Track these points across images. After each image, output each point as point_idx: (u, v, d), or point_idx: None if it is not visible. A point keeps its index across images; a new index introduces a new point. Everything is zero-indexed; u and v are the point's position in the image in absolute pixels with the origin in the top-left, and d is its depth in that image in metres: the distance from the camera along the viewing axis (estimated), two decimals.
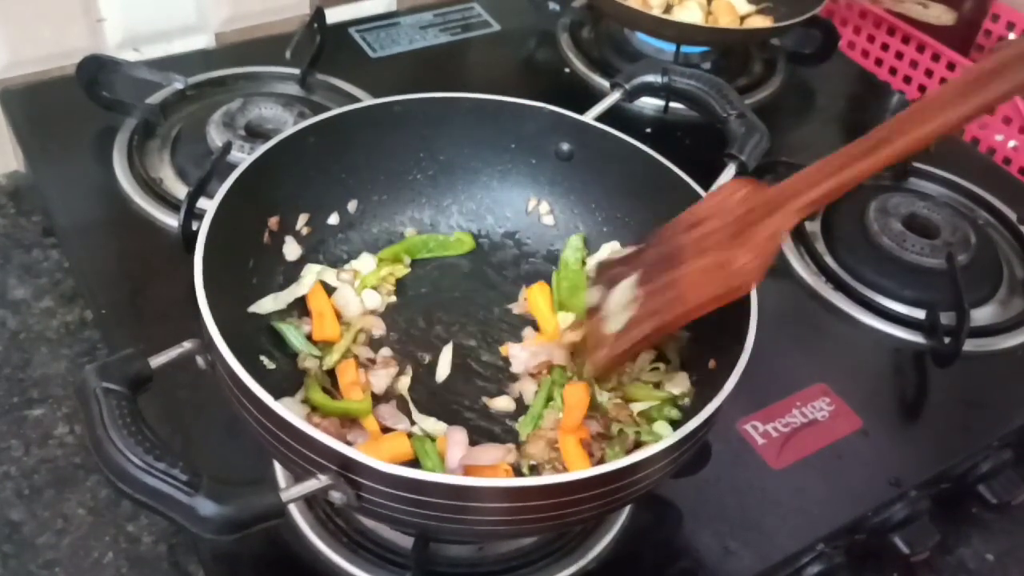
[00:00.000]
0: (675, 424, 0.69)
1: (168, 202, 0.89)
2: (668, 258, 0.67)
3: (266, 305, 0.72)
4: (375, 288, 0.77)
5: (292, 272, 0.76)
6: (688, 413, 0.69)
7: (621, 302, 0.68)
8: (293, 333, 0.71)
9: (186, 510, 0.46)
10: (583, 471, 0.53)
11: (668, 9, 1.14)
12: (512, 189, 0.82)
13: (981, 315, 0.91)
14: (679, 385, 0.71)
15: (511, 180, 0.82)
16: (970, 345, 0.84)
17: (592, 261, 0.80)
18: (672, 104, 0.86)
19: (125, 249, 0.88)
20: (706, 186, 0.73)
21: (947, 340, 0.84)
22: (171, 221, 0.87)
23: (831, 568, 0.71)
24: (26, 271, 0.89)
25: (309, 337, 0.72)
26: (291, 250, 0.76)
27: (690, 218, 0.68)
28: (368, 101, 0.77)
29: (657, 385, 0.71)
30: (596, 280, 0.72)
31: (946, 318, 0.86)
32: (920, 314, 0.88)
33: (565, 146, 0.79)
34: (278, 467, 0.69)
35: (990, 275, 0.95)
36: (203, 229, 0.62)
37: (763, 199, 0.64)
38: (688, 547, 0.70)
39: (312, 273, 0.76)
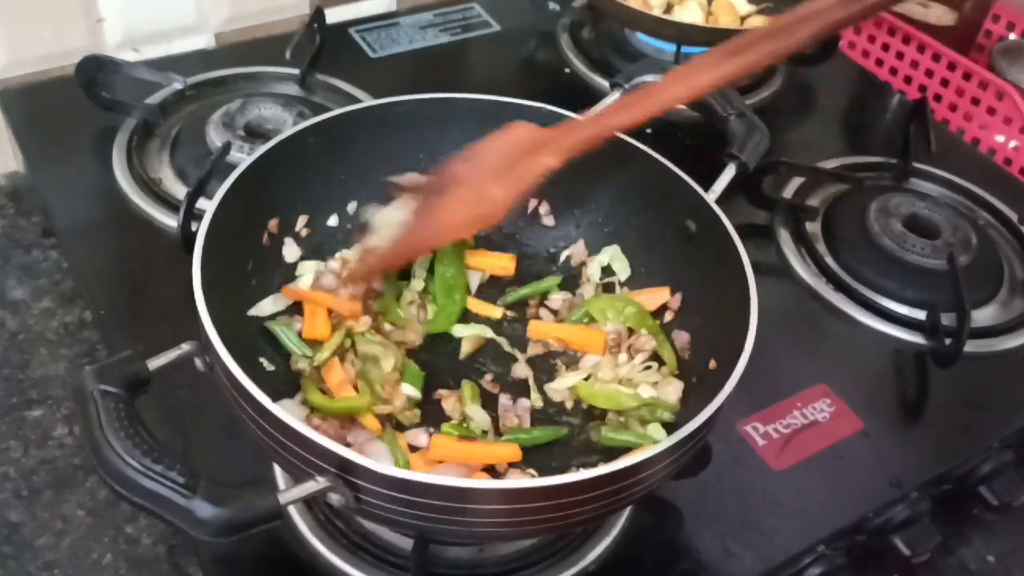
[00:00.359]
0: (668, 427, 0.68)
1: (167, 202, 0.89)
2: (443, 184, 0.72)
3: (265, 307, 0.72)
4: None
5: (291, 273, 0.76)
6: (684, 415, 0.69)
7: (392, 219, 0.73)
8: (285, 333, 0.71)
9: (183, 512, 0.46)
10: (584, 472, 0.53)
11: (668, 9, 1.14)
12: None
13: (982, 316, 0.91)
14: (671, 393, 0.70)
15: None
16: (971, 346, 0.84)
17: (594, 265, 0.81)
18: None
19: (124, 249, 0.88)
20: (706, 186, 0.73)
21: (948, 341, 0.84)
22: (170, 221, 0.87)
23: (832, 569, 0.71)
24: (25, 272, 0.89)
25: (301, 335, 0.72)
26: (290, 252, 0.75)
27: (470, 151, 0.72)
28: (368, 102, 0.77)
29: (654, 385, 0.71)
30: (387, 199, 0.76)
31: (947, 319, 0.86)
32: (921, 315, 0.88)
33: None
34: (277, 469, 0.69)
35: (991, 276, 0.95)
36: (202, 230, 0.62)
37: (534, 137, 0.70)
38: (689, 548, 0.70)
39: (309, 271, 0.75)
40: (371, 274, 0.74)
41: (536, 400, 0.72)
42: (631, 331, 0.75)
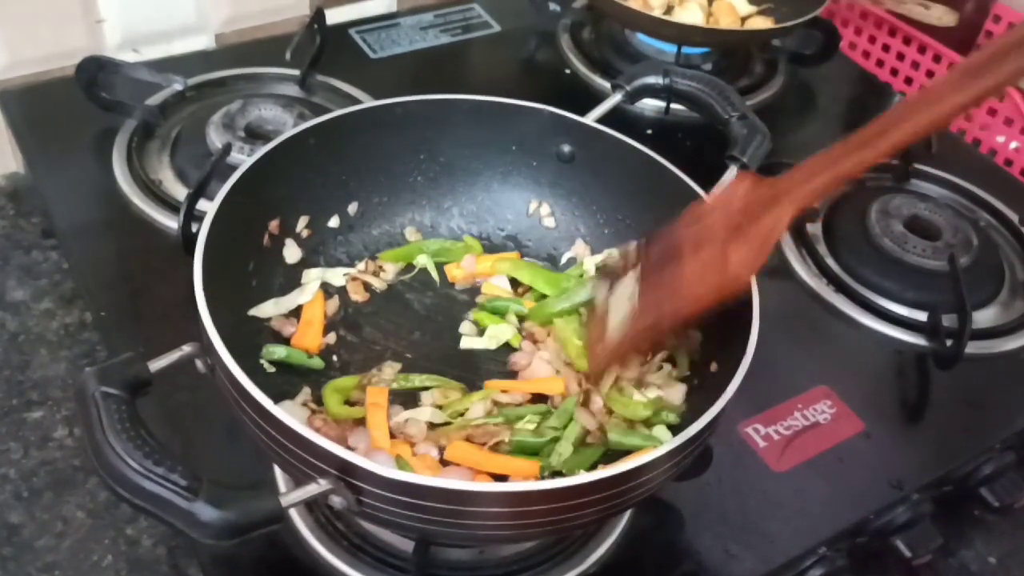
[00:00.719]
0: (673, 428, 0.68)
1: (168, 204, 0.89)
2: (669, 254, 0.66)
3: (267, 309, 0.72)
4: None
5: (292, 274, 0.76)
6: (686, 417, 0.69)
7: (623, 297, 0.68)
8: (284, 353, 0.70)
9: (185, 515, 0.46)
10: (584, 475, 0.53)
11: (669, 10, 1.14)
12: (513, 191, 0.82)
13: (983, 317, 0.91)
14: (675, 395, 0.70)
15: (512, 182, 0.82)
16: (972, 347, 0.83)
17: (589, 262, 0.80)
18: (673, 105, 0.86)
19: (124, 251, 0.87)
20: (707, 187, 0.73)
21: (949, 342, 0.84)
22: (170, 223, 0.87)
23: (833, 571, 0.71)
24: (25, 272, 0.89)
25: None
26: (291, 253, 0.75)
27: (694, 213, 0.68)
28: (369, 103, 0.77)
29: (660, 386, 0.71)
30: (601, 277, 0.72)
31: (948, 320, 0.86)
32: (922, 316, 0.88)
33: (566, 148, 0.79)
34: (278, 471, 0.69)
35: (992, 277, 0.95)
36: (203, 231, 0.61)
37: (762, 193, 0.64)
38: (690, 550, 0.70)
39: (314, 280, 0.75)
40: (615, 361, 0.70)
41: None
42: None
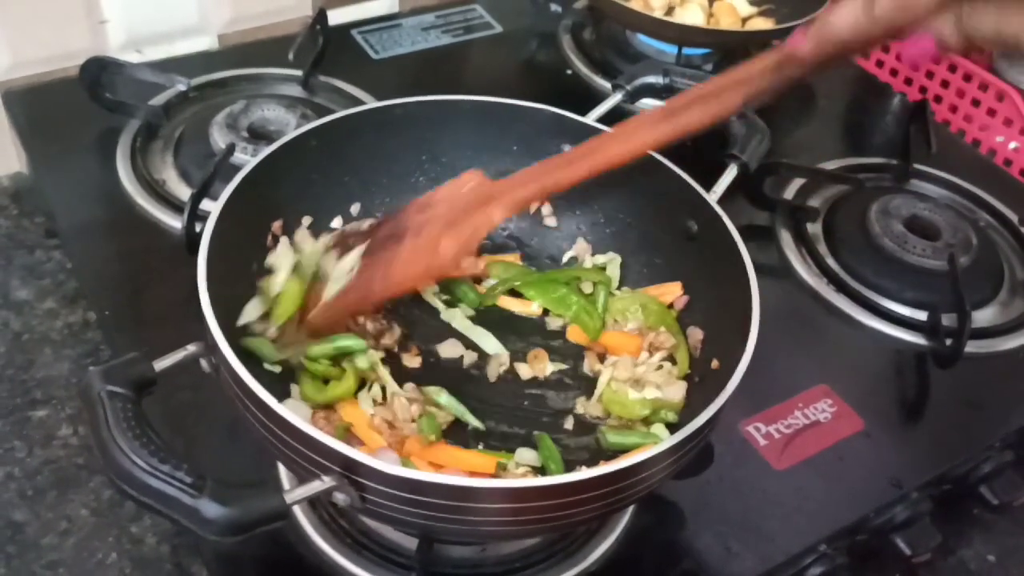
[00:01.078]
0: (671, 427, 0.69)
1: (171, 204, 0.89)
2: (396, 234, 0.71)
3: (249, 313, 0.69)
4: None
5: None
6: (682, 415, 0.69)
7: (345, 269, 0.72)
8: (261, 348, 0.68)
9: (190, 512, 0.47)
10: (586, 471, 0.53)
11: (670, 11, 1.15)
12: None
13: (982, 317, 0.91)
14: (675, 394, 0.70)
15: None
16: (971, 346, 0.84)
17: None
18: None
19: (128, 250, 0.88)
20: (707, 186, 0.74)
21: (948, 342, 0.84)
22: (174, 223, 0.87)
23: (833, 569, 0.71)
24: (29, 272, 0.89)
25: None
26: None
27: (425, 200, 0.73)
28: (370, 104, 0.77)
29: (659, 385, 0.71)
30: (334, 245, 0.75)
31: (947, 319, 0.86)
32: (921, 315, 0.88)
33: (567, 147, 0.79)
34: (281, 469, 0.69)
35: (991, 277, 0.96)
36: (207, 231, 0.62)
37: (482, 192, 0.71)
38: (690, 548, 0.70)
39: (284, 268, 0.72)
40: (326, 326, 0.71)
41: None
42: (649, 329, 0.75)
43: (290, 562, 0.66)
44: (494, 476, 0.64)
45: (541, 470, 0.66)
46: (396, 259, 0.70)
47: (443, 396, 0.69)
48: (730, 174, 0.75)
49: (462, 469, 0.63)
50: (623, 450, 0.67)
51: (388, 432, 0.64)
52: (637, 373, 0.72)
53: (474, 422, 0.68)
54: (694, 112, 0.67)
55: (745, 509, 0.72)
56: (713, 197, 0.72)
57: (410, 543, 0.66)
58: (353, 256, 0.72)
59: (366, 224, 0.76)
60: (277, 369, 0.68)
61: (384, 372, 0.70)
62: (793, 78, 0.64)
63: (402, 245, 0.70)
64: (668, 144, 0.68)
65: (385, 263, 0.70)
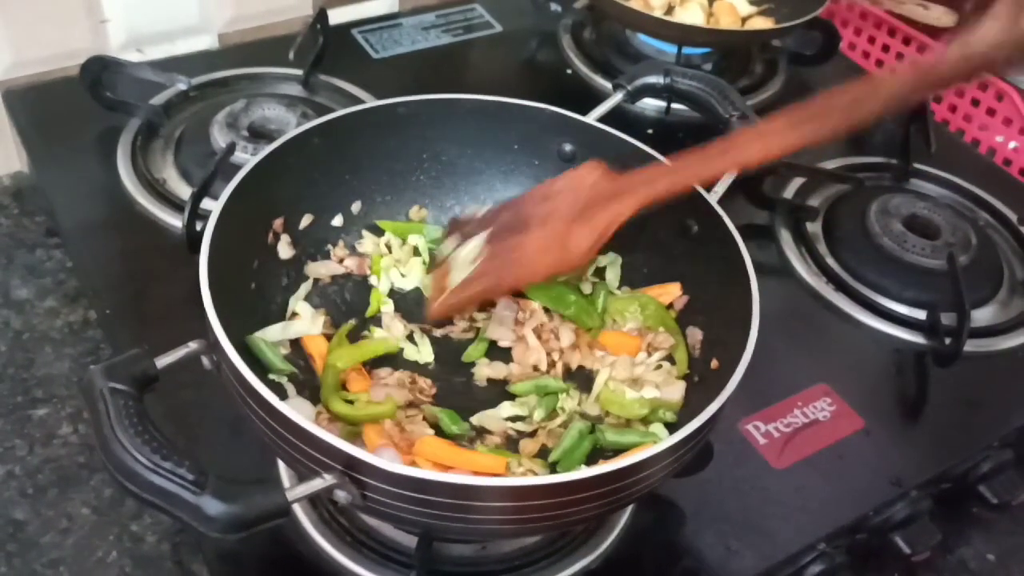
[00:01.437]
0: (670, 426, 0.69)
1: (172, 202, 0.89)
2: (517, 223, 0.72)
3: (273, 334, 0.70)
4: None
5: (294, 274, 0.76)
6: (682, 414, 0.69)
7: (468, 257, 0.72)
8: (271, 352, 0.68)
9: (192, 509, 0.47)
10: (586, 470, 0.53)
11: (670, 10, 1.15)
12: (515, 190, 0.82)
13: (981, 316, 0.91)
14: (674, 393, 0.71)
15: (514, 181, 0.82)
16: (970, 345, 0.84)
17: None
18: (674, 105, 0.86)
19: (128, 249, 0.88)
20: (707, 186, 0.74)
21: (948, 340, 0.84)
22: (174, 221, 0.87)
23: (833, 568, 0.72)
24: (29, 271, 0.89)
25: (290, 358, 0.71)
26: (284, 250, 0.75)
27: (545, 190, 0.73)
28: (371, 103, 0.78)
29: (657, 386, 0.71)
30: (450, 231, 0.76)
31: (946, 319, 0.86)
32: (921, 315, 0.88)
33: (568, 147, 0.80)
34: (282, 467, 0.69)
35: (990, 276, 0.96)
36: (208, 229, 0.62)
37: (610, 185, 0.70)
38: (690, 547, 0.70)
39: (307, 315, 0.73)
40: (451, 314, 0.74)
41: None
42: (648, 329, 0.75)
43: (290, 560, 0.66)
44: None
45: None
46: (525, 249, 0.70)
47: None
48: (731, 175, 0.75)
49: (471, 470, 0.63)
50: (621, 449, 0.67)
51: (398, 436, 0.64)
52: (635, 373, 0.72)
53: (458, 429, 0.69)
54: (834, 117, 0.66)
55: (745, 508, 0.73)
56: (713, 197, 0.72)
57: (410, 541, 0.66)
58: (475, 244, 0.72)
59: (481, 212, 0.77)
60: (282, 379, 0.68)
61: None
62: (930, 91, 0.63)
63: (528, 235, 0.70)
64: (806, 146, 0.67)
65: (512, 253, 0.70)
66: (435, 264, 0.76)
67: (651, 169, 0.71)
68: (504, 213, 0.74)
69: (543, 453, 0.69)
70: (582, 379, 0.74)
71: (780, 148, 0.67)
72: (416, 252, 0.80)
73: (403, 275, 0.78)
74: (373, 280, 0.78)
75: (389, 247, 0.79)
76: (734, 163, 0.69)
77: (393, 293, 0.78)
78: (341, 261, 0.78)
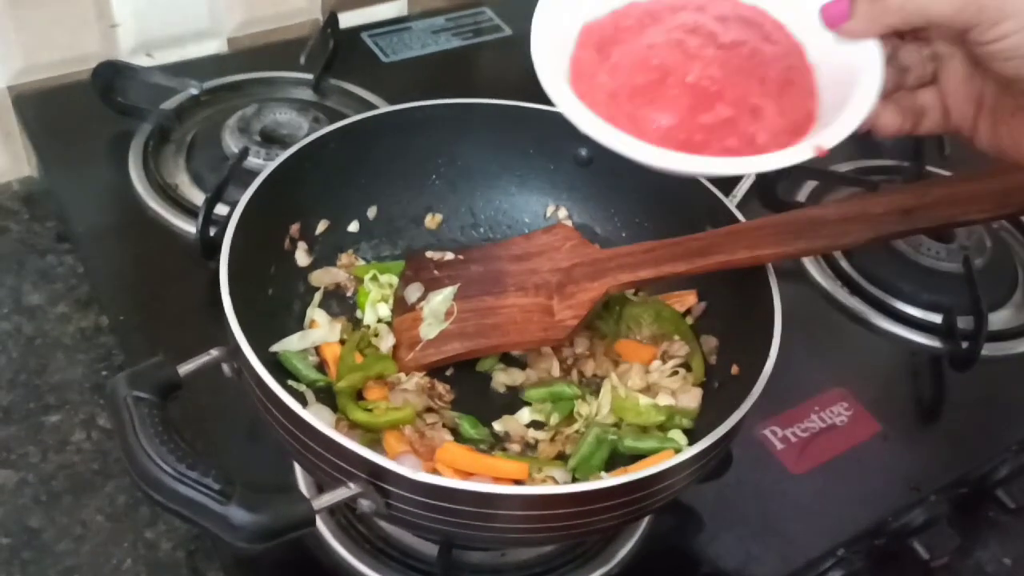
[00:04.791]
0: (687, 432, 0.69)
1: (184, 208, 0.89)
2: (491, 280, 0.71)
3: (292, 344, 0.70)
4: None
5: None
6: (699, 421, 0.69)
7: (440, 310, 0.72)
8: (301, 364, 0.68)
9: (219, 519, 0.46)
10: (610, 479, 0.53)
11: None
12: (530, 194, 0.82)
13: (996, 319, 0.91)
14: (690, 400, 0.70)
15: (529, 185, 0.82)
16: (986, 349, 0.84)
17: None
18: None
19: (140, 255, 0.88)
20: (724, 189, 0.73)
21: (965, 344, 0.84)
22: (187, 227, 0.87)
23: (852, 573, 0.71)
24: (41, 277, 0.89)
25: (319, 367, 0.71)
26: (301, 257, 0.75)
27: (515, 249, 0.73)
28: (388, 107, 0.78)
29: (673, 393, 0.71)
30: (413, 277, 0.75)
31: (962, 322, 0.86)
32: (937, 318, 0.88)
33: (583, 151, 0.79)
34: (299, 473, 0.69)
35: (1005, 279, 0.95)
36: (227, 236, 0.62)
37: (589, 259, 0.70)
38: (710, 552, 0.70)
39: (324, 323, 0.73)
40: (424, 369, 0.72)
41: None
42: (663, 336, 0.75)
43: (308, 567, 0.66)
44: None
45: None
46: (507, 316, 0.69)
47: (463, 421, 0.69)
48: (749, 178, 0.75)
49: (494, 476, 0.63)
50: (640, 454, 0.67)
51: (419, 442, 0.63)
52: (650, 380, 0.72)
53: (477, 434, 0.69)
54: (823, 234, 0.65)
55: (763, 513, 0.72)
56: (733, 201, 0.72)
57: (429, 548, 0.65)
58: (446, 296, 0.72)
59: (438, 256, 0.77)
60: (303, 388, 0.68)
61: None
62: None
63: (505, 298, 0.70)
64: (794, 257, 0.66)
65: (490, 317, 0.70)
66: (400, 308, 0.75)
67: (635, 252, 0.70)
68: (472, 265, 0.74)
69: (561, 457, 0.68)
70: (599, 385, 0.74)
71: (771, 257, 0.65)
72: None
73: (392, 310, 0.76)
74: (358, 314, 0.76)
75: (376, 279, 0.78)
76: (717, 264, 0.67)
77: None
78: (349, 268, 0.77)
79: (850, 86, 0.50)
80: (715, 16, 0.54)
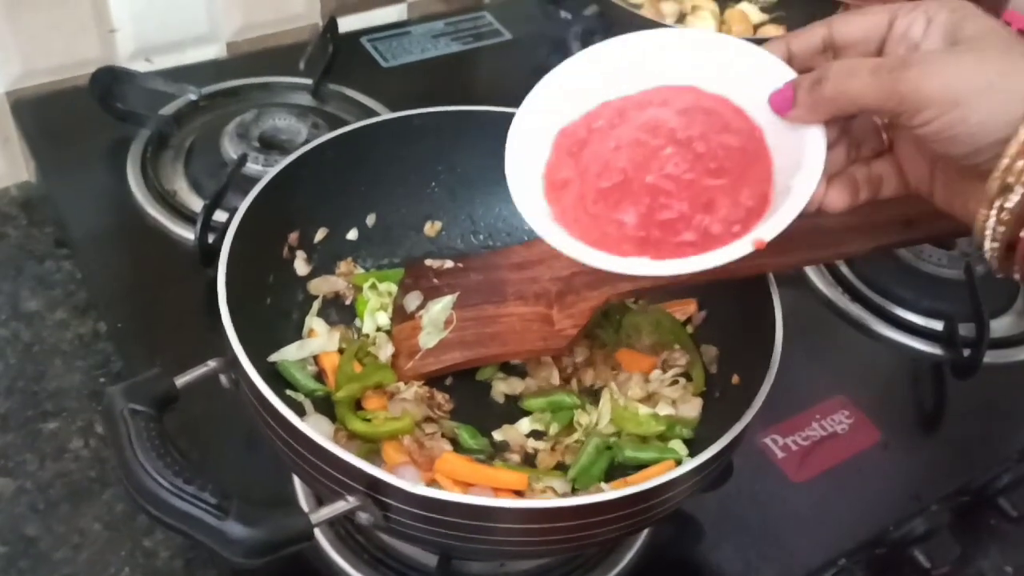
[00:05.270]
0: (687, 442, 0.68)
1: (182, 214, 0.89)
2: (490, 289, 0.71)
3: (290, 353, 0.69)
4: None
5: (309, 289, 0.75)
6: (699, 430, 0.69)
7: (440, 319, 0.71)
8: (300, 374, 0.68)
9: (216, 533, 0.46)
10: (611, 492, 0.53)
11: (681, 19, 1.14)
12: None
13: (998, 326, 0.90)
14: (691, 410, 0.70)
15: None
16: (988, 356, 0.83)
17: None
18: None
19: (139, 261, 0.87)
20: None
21: (966, 352, 0.84)
22: (185, 233, 0.87)
23: None
24: (39, 282, 0.89)
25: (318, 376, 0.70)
26: (300, 266, 0.74)
27: (515, 257, 0.73)
28: (386, 115, 0.77)
29: (673, 402, 0.71)
30: (413, 285, 0.75)
31: (964, 329, 0.86)
32: (938, 325, 0.88)
33: None
34: (298, 485, 0.69)
35: (1007, 286, 0.95)
36: (226, 244, 0.61)
37: (589, 268, 0.67)
38: (710, 562, 0.70)
39: (323, 332, 0.72)
40: (424, 378, 0.71)
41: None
42: (663, 346, 0.75)
43: None
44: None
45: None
46: (506, 325, 0.69)
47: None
48: None
49: (493, 487, 0.63)
50: (640, 464, 0.67)
51: (418, 452, 0.63)
52: (649, 389, 0.72)
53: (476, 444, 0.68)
54: (825, 248, 0.66)
55: (764, 522, 0.72)
56: None
57: (429, 559, 0.65)
58: (444, 304, 0.72)
59: (447, 264, 0.77)
60: (301, 398, 0.68)
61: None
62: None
63: (505, 307, 0.70)
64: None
65: (490, 326, 0.70)
66: (399, 316, 0.74)
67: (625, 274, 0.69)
68: (472, 274, 0.73)
69: (560, 467, 0.68)
70: (599, 394, 0.73)
71: (768, 269, 0.65)
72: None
73: (391, 319, 0.76)
74: (357, 322, 0.76)
75: (375, 287, 0.77)
76: (717, 273, 0.66)
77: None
78: (348, 276, 0.77)
79: (798, 170, 0.53)
80: (678, 110, 0.57)
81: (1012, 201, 0.47)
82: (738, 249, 0.52)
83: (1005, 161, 0.46)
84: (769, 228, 0.52)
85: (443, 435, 0.67)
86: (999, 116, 0.46)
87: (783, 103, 0.53)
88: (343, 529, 0.67)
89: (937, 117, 0.47)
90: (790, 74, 0.54)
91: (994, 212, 0.48)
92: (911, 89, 0.47)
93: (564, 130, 0.59)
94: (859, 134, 0.56)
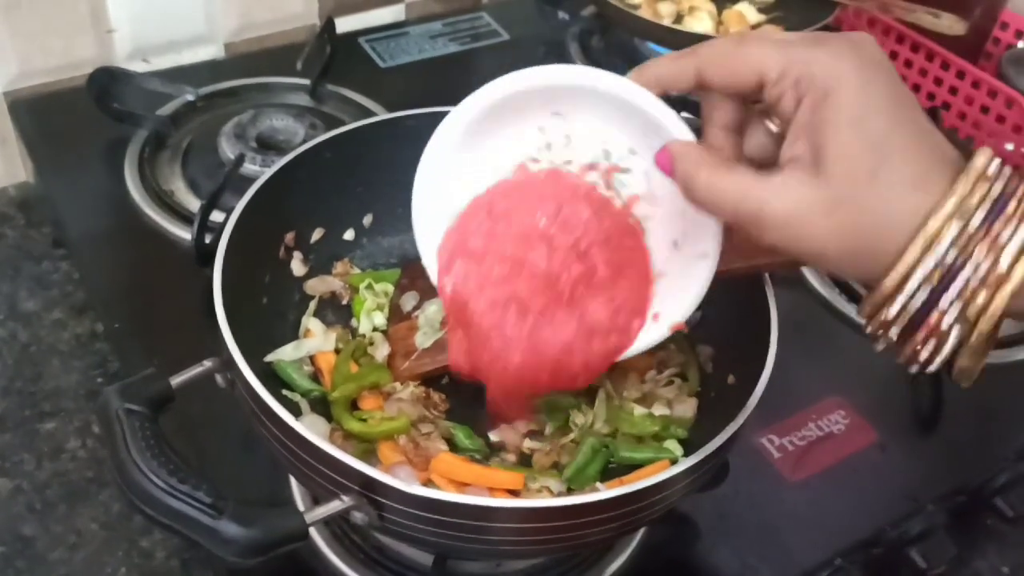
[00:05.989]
0: (683, 442, 0.68)
1: (179, 214, 0.89)
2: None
3: (286, 353, 0.69)
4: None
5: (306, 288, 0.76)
6: (693, 430, 0.69)
7: (435, 319, 0.71)
8: (296, 374, 0.68)
9: (210, 533, 0.46)
10: (605, 492, 0.53)
11: (678, 19, 1.14)
12: None
13: None
14: (686, 410, 0.70)
15: None
16: None
17: None
18: (683, 114, 0.85)
19: (136, 261, 0.87)
20: None
21: None
22: (182, 233, 0.87)
23: None
24: (36, 283, 0.89)
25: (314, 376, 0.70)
26: (297, 267, 0.75)
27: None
28: (382, 115, 0.77)
29: (669, 403, 0.71)
30: (409, 285, 0.74)
31: None
32: None
33: None
34: (294, 486, 0.69)
35: None
36: (221, 245, 0.61)
37: None
38: (706, 562, 0.70)
39: (319, 332, 0.72)
40: (419, 378, 0.71)
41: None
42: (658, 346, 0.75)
43: None
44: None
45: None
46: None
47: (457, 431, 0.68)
48: None
49: (489, 487, 0.63)
50: (635, 464, 0.67)
51: (413, 452, 0.63)
52: (644, 389, 0.72)
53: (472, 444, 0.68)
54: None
55: (760, 522, 0.72)
56: None
57: (424, 559, 0.65)
58: (441, 304, 0.70)
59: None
60: (297, 398, 0.68)
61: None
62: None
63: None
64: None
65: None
66: (396, 316, 0.74)
67: None
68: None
69: (556, 467, 0.68)
70: (594, 395, 0.73)
71: (764, 270, 0.65)
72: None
73: (387, 319, 0.76)
74: (353, 323, 0.76)
75: (371, 287, 0.77)
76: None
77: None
78: (344, 276, 0.77)
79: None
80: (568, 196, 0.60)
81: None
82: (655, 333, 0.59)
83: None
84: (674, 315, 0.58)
85: (439, 435, 0.67)
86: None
87: (666, 164, 0.53)
88: (339, 528, 0.67)
89: (780, 240, 0.47)
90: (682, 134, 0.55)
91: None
92: (755, 210, 0.47)
93: (477, 200, 0.63)
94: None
